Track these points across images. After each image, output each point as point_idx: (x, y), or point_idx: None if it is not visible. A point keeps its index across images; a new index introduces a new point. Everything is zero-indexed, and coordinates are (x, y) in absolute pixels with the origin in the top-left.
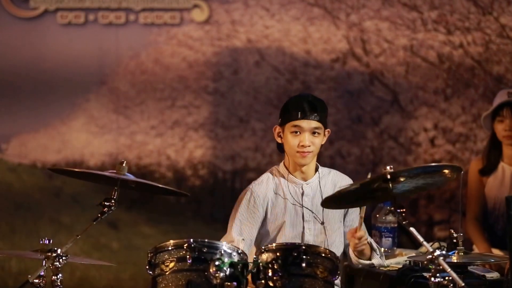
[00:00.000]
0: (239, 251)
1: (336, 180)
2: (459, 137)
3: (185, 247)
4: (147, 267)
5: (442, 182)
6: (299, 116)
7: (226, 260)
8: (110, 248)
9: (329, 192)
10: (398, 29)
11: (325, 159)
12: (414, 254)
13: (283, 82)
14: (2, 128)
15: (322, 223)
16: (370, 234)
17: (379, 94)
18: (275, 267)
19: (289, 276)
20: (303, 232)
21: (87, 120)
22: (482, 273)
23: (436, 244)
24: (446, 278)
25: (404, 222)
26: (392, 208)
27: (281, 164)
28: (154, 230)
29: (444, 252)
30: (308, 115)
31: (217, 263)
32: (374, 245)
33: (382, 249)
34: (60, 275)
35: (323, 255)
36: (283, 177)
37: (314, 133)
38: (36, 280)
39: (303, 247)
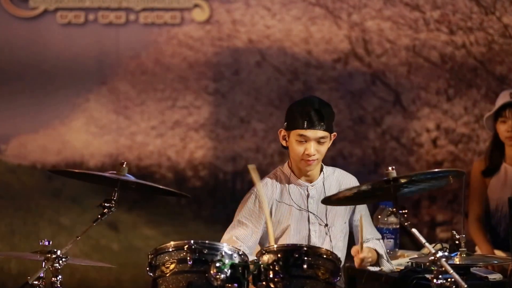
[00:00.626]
0: (240, 253)
1: (341, 180)
2: (462, 137)
3: (185, 249)
4: (148, 268)
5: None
6: (305, 125)
7: (227, 261)
8: (110, 250)
9: (334, 192)
10: (400, 29)
11: (327, 160)
12: (416, 256)
13: (284, 83)
14: (1, 129)
15: (326, 225)
16: None
17: (381, 94)
18: (276, 268)
19: (290, 277)
20: (309, 235)
21: (87, 120)
22: (485, 275)
23: (439, 246)
24: (449, 279)
25: (406, 223)
26: (394, 209)
27: (285, 165)
28: (155, 231)
29: (446, 253)
30: (315, 125)
31: (218, 264)
32: (381, 251)
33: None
34: (59, 276)
35: (325, 256)
36: (288, 179)
37: (319, 141)
38: (36, 282)
39: (304, 248)
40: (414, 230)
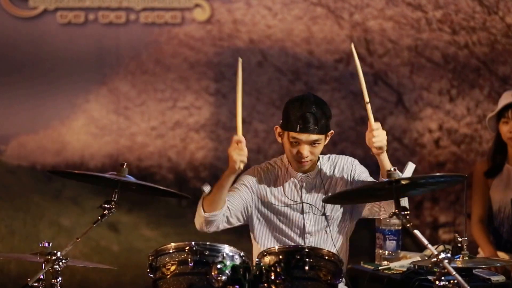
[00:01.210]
0: (241, 254)
1: (336, 163)
2: (464, 138)
3: (186, 250)
4: (148, 270)
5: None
6: (298, 129)
7: (228, 263)
8: (110, 251)
9: (329, 180)
10: (402, 29)
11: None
12: (418, 257)
13: (286, 83)
14: (1, 129)
15: (323, 214)
16: (374, 237)
17: (383, 94)
18: (278, 270)
19: (292, 279)
20: (303, 224)
21: (87, 121)
22: (488, 276)
23: (441, 247)
24: (451, 281)
25: (408, 225)
26: (396, 211)
27: (285, 155)
28: (155, 232)
29: (449, 255)
30: (308, 129)
31: (219, 266)
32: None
33: (386, 252)
34: (59, 278)
35: (326, 257)
36: (286, 169)
37: (313, 144)
38: (36, 284)
39: (306, 250)
40: (416, 232)
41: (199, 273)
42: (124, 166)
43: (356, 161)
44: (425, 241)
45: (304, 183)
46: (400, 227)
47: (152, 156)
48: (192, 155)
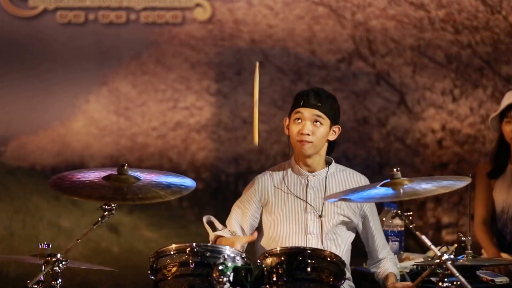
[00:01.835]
0: (243, 256)
1: (347, 180)
2: (467, 138)
3: (187, 252)
4: (149, 272)
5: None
6: (302, 103)
7: (229, 264)
8: (110, 253)
9: (335, 190)
10: (405, 28)
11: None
12: (421, 259)
13: (288, 83)
14: (0, 130)
15: (320, 216)
16: None
17: (386, 95)
18: (280, 271)
19: (294, 280)
20: (306, 224)
21: (87, 121)
22: (491, 278)
23: (444, 248)
24: (454, 282)
25: (411, 226)
26: (399, 212)
27: (293, 157)
28: (156, 234)
29: (452, 256)
30: (311, 103)
31: (220, 267)
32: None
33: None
34: (59, 280)
35: (329, 259)
36: (291, 167)
37: (316, 122)
38: (35, 286)
39: (308, 251)
40: (419, 233)
41: (200, 274)
42: (125, 167)
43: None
44: (428, 242)
45: (309, 182)
46: (403, 228)
47: (153, 157)
48: (193, 156)
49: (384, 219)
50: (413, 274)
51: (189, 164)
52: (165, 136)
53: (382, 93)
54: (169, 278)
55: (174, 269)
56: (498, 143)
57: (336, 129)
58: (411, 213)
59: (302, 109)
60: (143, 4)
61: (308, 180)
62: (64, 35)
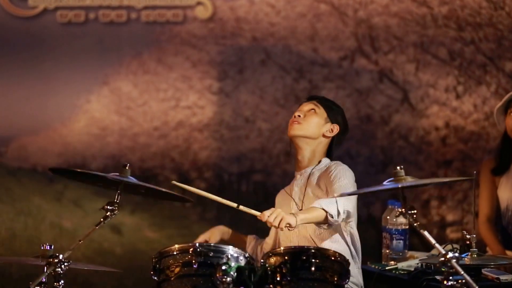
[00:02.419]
0: (246, 255)
1: (323, 169)
2: (471, 135)
3: (190, 252)
4: (152, 272)
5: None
6: (301, 103)
7: (233, 264)
8: (113, 253)
9: (315, 184)
10: (407, 25)
11: (334, 159)
12: (426, 257)
13: (290, 81)
14: (1, 131)
15: (301, 209)
16: (380, 237)
17: (389, 92)
18: (284, 271)
19: (298, 280)
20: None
21: (88, 122)
22: (496, 276)
23: (449, 246)
24: (459, 281)
25: (415, 224)
26: (403, 210)
27: None
28: (158, 234)
29: (457, 254)
30: (310, 97)
31: (223, 267)
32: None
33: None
34: (62, 281)
35: (333, 258)
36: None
37: (311, 110)
38: (38, 287)
39: (312, 250)
40: (423, 231)
41: (203, 274)
42: (127, 167)
43: (343, 167)
44: (433, 240)
45: (296, 180)
46: (407, 227)
47: (155, 157)
48: (196, 155)
49: (388, 217)
50: (417, 273)
51: (191, 164)
52: (167, 135)
53: (385, 90)
54: (172, 279)
55: (177, 269)
56: (502, 140)
57: (334, 127)
58: (415, 211)
59: (303, 104)
60: (143, 2)
61: (296, 178)
62: (64, 34)
